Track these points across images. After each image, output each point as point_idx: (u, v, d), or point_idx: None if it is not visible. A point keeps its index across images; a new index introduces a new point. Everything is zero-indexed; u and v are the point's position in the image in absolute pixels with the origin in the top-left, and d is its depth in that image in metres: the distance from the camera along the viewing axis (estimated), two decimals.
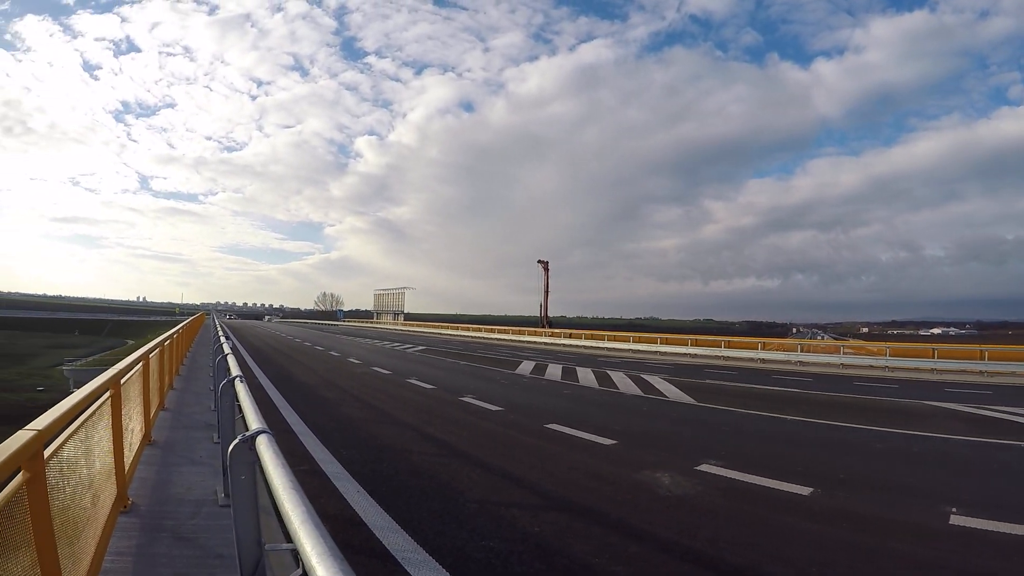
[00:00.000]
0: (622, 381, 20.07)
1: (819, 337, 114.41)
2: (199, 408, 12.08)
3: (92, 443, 4.37)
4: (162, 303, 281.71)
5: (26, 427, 2.68)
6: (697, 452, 9.59)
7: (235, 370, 6.69)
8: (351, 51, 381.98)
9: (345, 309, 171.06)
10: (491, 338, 55.02)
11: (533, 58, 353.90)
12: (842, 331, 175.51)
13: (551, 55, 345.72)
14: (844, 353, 30.79)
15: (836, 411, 14.72)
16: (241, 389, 5.37)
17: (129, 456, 6.22)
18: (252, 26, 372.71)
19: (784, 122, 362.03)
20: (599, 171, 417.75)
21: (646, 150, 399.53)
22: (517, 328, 58.93)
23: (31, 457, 2.54)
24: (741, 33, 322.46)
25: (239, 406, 5.43)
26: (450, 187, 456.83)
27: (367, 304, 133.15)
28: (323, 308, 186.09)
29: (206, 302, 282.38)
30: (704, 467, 8.50)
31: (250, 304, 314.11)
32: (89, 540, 3.86)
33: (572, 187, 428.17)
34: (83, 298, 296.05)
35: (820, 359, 30.44)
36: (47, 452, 2.86)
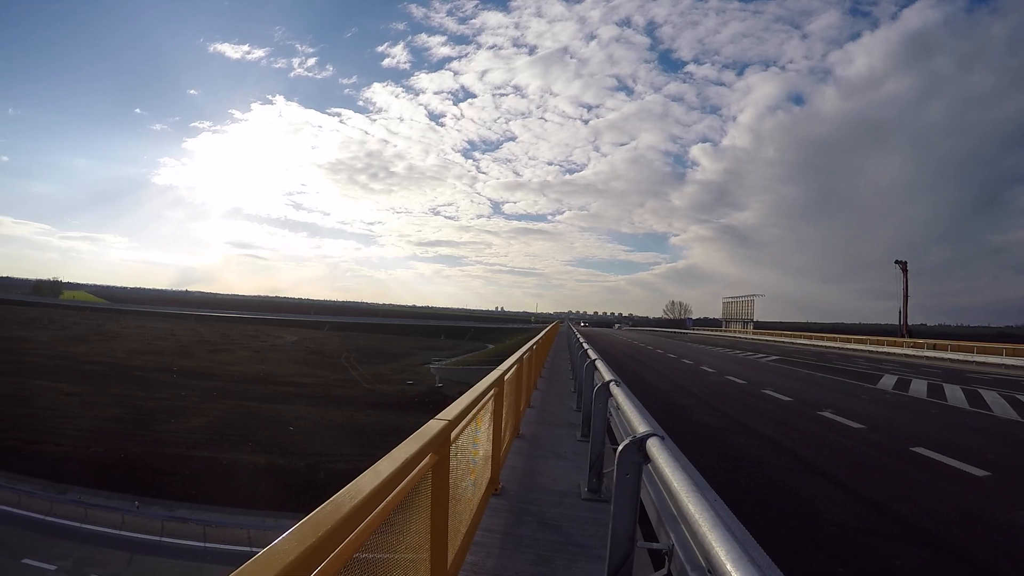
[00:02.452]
0: (996, 402, 18.66)
1: None
2: (561, 408, 13.44)
3: (479, 432, 5.40)
4: (518, 312, 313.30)
5: (437, 417, 3.40)
6: None
7: (608, 375, 7.33)
8: (669, 63, 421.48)
9: (693, 317, 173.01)
10: (846, 348, 55.21)
11: (854, 36, 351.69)
12: None
13: (873, 29, 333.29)
14: None
15: None
16: (620, 393, 5.91)
17: (502, 446, 7.49)
18: (571, 57, 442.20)
19: None
20: (949, 152, 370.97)
21: (1000, 120, 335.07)
22: (874, 338, 57.49)
23: (441, 443, 3.23)
24: None
25: (616, 408, 6.12)
26: (791, 186, 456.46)
27: (715, 312, 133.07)
28: (671, 316, 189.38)
29: (559, 311, 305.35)
30: None
31: (600, 313, 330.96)
32: (467, 515, 4.79)
33: (920, 174, 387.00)
34: (448, 308, 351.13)
35: None
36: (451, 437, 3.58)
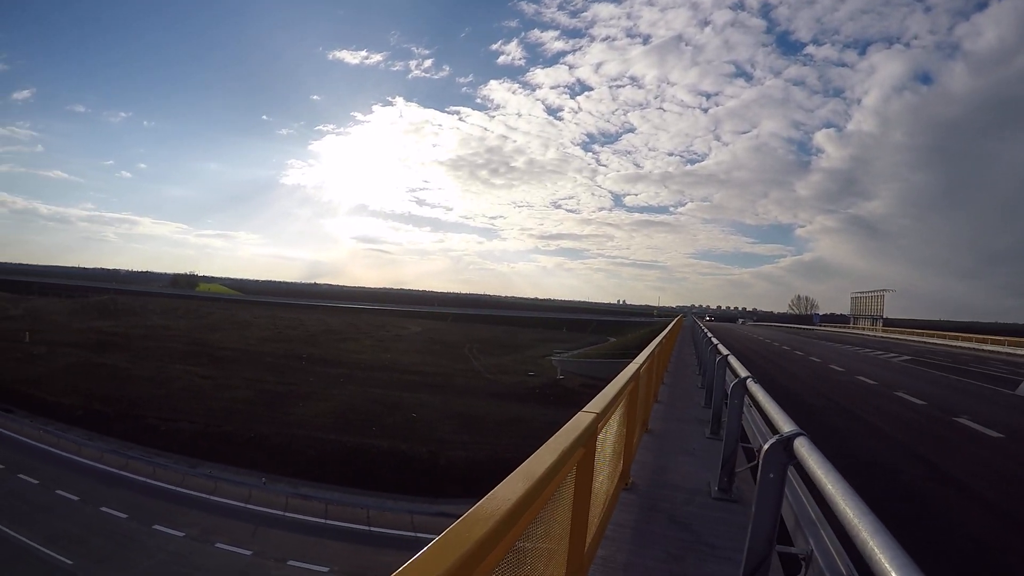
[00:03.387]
0: None
1: None
2: (688, 403, 13.39)
3: (615, 425, 5.32)
4: (640, 306, 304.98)
5: (585, 409, 3.56)
6: None
7: (742, 371, 7.20)
8: (787, 45, 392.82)
9: (820, 313, 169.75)
10: (981, 350, 52.82)
11: (981, 5, 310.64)
12: None
13: None
14: None
15: None
16: (758, 391, 5.73)
17: (634, 440, 7.51)
18: (686, 45, 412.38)
19: None
20: None
21: None
22: (1012, 339, 53.09)
23: (589, 436, 3.35)
24: None
25: (748, 406, 6.16)
26: (921, 173, 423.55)
27: (842, 308, 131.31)
28: (796, 311, 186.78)
29: (681, 305, 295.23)
30: None
31: (722, 307, 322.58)
32: (600, 509, 4.78)
33: None
34: (570, 300, 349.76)
35: None
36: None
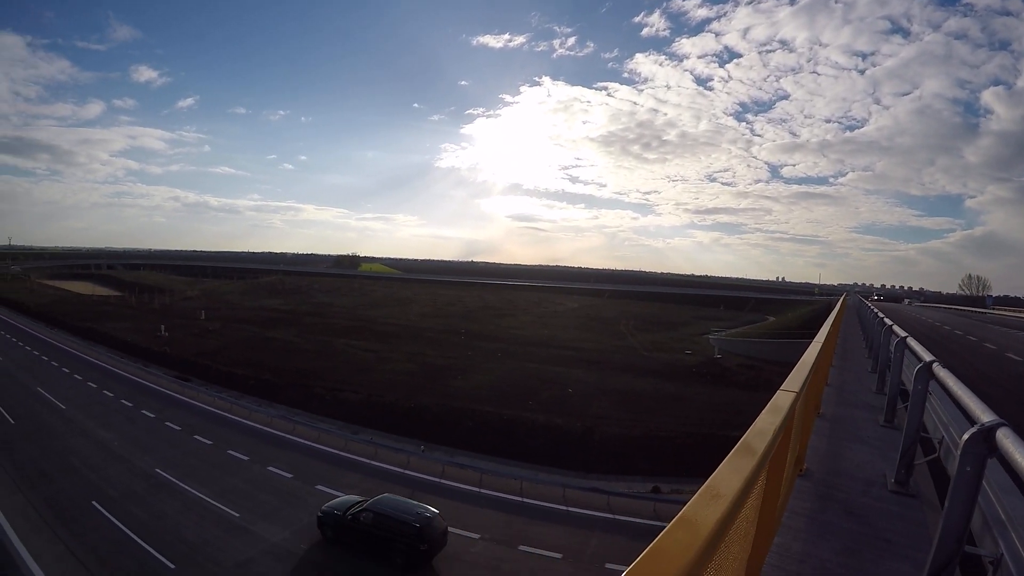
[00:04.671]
0: None
1: None
2: (859, 387, 12.71)
3: (799, 407, 5.09)
4: (799, 283, 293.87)
5: (784, 388, 3.56)
6: None
7: (926, 355, 6.71)
8: None
9: (993, 295, 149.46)
10: None
11: None
12: None
13: None
14: None
15: None
16: (947, 376, 5.37)
17: (809, 424, 7.61)
18: (836, 2, 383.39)
19: None
20: None
21: None
22: None
23: (788, 417, 3.31)
24: None
25: (944, 391, 5.50)
26: None
27: (1019, 290, 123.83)
28: (967, 292, 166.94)
29: (843, 283, 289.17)
30: None
31: (887, 286, 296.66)
32: (779, 493, 4.54)
33: None
34: (726, 278, 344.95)
35: None
36: None
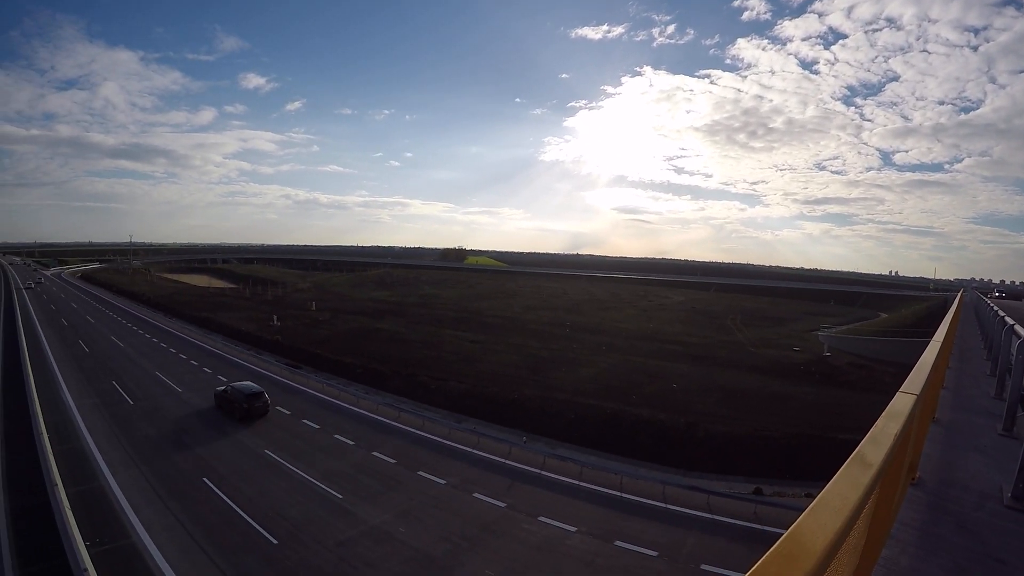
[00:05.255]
0: None
1: None
2: (976, 392, 12.07)
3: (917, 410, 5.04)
4: (913, 278, 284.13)
5: (903, 390, 3.58)
6: None
7: None
8: None
9: None
10: None
11: None
12: None
13: None
14: None
15: None
16: None
17: (923, 430, 7.25)
18: None
19: None
20: None
21: None
22: None
23: (908, 421, 3.26)
24: None
25: None
26: None
27: None
28: None
29: (959, 278, 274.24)
30: None
31: (1007, 282, 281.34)
32: (890, 502, 4.53)
33: None
34: (836, 271, 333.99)
35: None
36: None
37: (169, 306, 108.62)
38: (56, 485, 27.30)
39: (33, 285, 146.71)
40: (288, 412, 42.28)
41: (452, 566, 22.53)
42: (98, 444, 35.70)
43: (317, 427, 39.25)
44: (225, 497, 28.22)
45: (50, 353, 63.10)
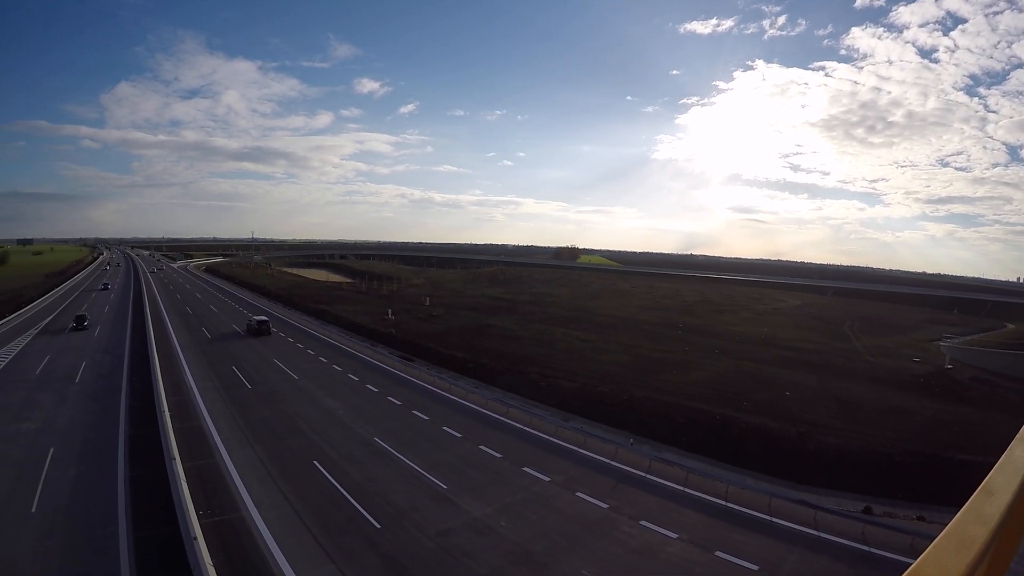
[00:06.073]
0: None
1: None
2: None
3: None
4: None
5: None
6: None
7: None
8: None
9: None
10: None
11: None
12: None
13: None
14: None
15: None
16: None
17: None
18: None
19: None
20: None
21: None
22: None
23: None
24: None
25: None
26: None
27: None
28: None
29: None
30: None
31: None
32: None
33: None
34: (961, 276, 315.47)
35: None
36: None
37: (288, 298, 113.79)
38: (174, 459, 29.13)
39: (155, 270, 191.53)
40: (399, 403, 43.29)
41: (549, 563, 22.35)
42: (216, 424, 38.00)
43: (427, 418, 39.95)
44: (333, 480, 29.19)
45: (175, 338, 67.60)
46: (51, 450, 33.38)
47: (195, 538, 21.44)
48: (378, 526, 24.73)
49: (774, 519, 26.38)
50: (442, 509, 26.53)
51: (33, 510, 26.20)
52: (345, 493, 27.73)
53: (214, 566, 20.14)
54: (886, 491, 31.03)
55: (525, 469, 31.45)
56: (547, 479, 30.13)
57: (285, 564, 21.86)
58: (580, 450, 34.79)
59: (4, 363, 56.16)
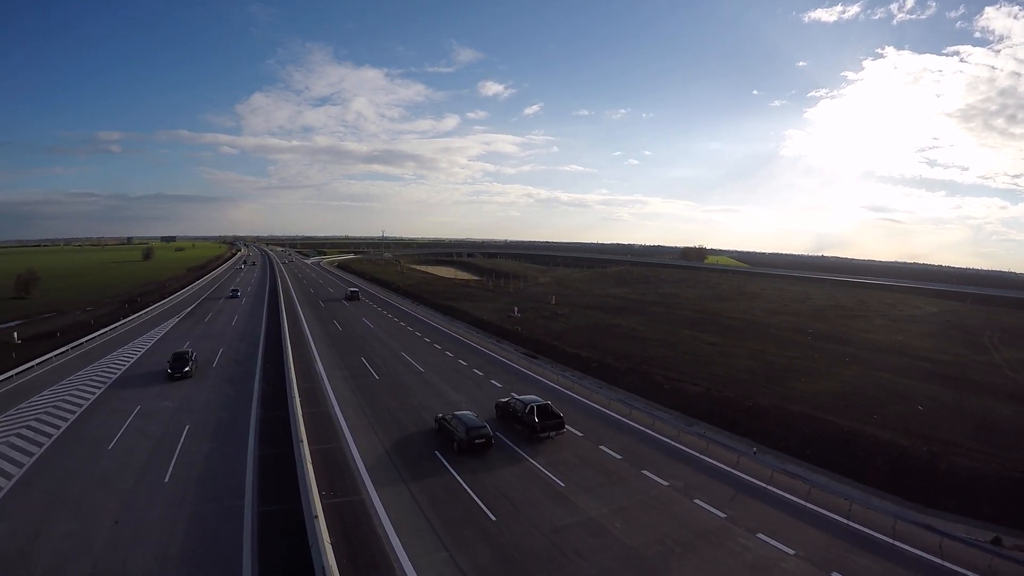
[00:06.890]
0: None
1: None
2: None
3: None
4: None
5: None
6: None
7: None
8: None
9: None
10: None
11: None
12: None
13: None
14: None
15: None
16: None
17: None
18: None
19: None
20: None
21: None
22: None
23: None
24: None
25: None
26: None
27: None
28: None
29: None
30: None
31: None
32: None
33: None
34: None
35: None
36: None
37: (416, 294, 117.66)
38: (301, 441, 31.16)
39: (287, 261, 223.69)
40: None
41: (661, 569, 22.13)
42: (343, 411, 40.26)
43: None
44: (454, 472, 30.17)
45: (307, 330, 71.39)
46: (187, 427, 36.78)
47: (316, 516, 22.83)
48: (493, 519, 25.38)
49: (897, 543, 24.89)
50: (558, 507, 26.87)
51: (166, 480, 29.06)
52: (464, 485, 28.62)
53: (331, 544, 21.47)
54: (1020, 521, 28.79)
55: (644, 472, 31.28)
56: (666, 483, 29.84)
57: (399, 547, 22.87)
58: (701, 456, 34.19)
59: (149, 346, 61.35)
